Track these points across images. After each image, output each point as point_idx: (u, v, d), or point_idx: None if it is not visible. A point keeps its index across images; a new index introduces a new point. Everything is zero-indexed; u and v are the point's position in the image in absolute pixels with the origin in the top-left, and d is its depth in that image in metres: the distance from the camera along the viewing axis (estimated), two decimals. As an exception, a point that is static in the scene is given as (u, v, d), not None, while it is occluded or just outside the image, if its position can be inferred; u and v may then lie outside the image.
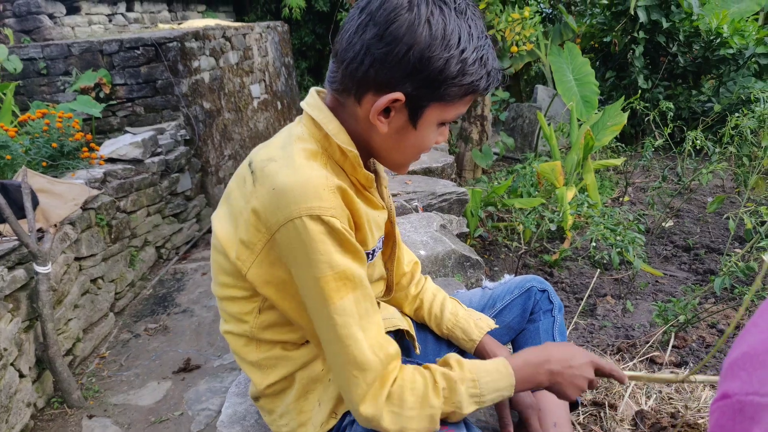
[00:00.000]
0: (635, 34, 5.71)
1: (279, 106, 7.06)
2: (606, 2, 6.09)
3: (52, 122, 3.55)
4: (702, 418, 1.51)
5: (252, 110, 6.15)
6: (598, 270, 3.16)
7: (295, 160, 0.87)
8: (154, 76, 4.52)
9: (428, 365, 0.95)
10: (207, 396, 2.68)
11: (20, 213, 2.58)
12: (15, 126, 3.74)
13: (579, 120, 4.22)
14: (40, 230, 2.71)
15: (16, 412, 2.34)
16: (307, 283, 0.88)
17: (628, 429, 1.49)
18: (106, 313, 3.28)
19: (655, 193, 3.93)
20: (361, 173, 0.95)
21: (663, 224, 3.73)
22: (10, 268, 2.49)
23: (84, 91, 4.37)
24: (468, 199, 3.13)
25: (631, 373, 1.15)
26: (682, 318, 2.33)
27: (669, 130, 4.12)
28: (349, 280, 0.88)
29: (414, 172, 3.45)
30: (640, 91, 5.40)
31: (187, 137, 4.67)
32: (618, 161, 3.90)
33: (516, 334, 1.34)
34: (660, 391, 1.68)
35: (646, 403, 1.61)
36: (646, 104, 4.40)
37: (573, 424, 1.46)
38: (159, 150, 4.19)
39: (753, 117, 3.80)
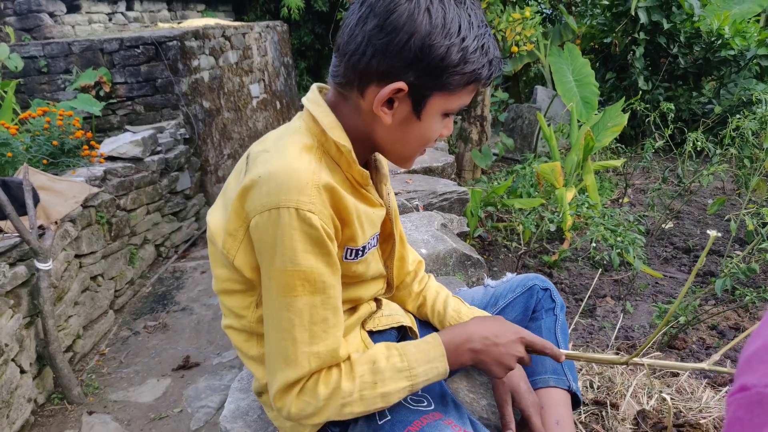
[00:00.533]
0: (636, 35, 5.70)
1: (278, 106, 7.06)
2: (606, 3, 6.08)
3: (53, 120, 3.56)
4: (704, 418, 1.52)
5: (251, 109, 6.15)
6: (600, 270, 3.17)
7: (287, 152, 0.87)
8: (154, 74, 4.52)
9: (352, 357, 0.94)
10: (206, 393, 2.68)
11: (21, 210, 2.59)
12: (16, 124, 3.74)
13: (579, 121, 4.22)
14: (41, 227, 2.71)
15: (17, 408, 2.34)
16: (267, 273, 0.87)
17: (630, 428, 1.49)
18: (105, 310, 3.28)
19: (655, 195, 3.94)
20: (355, 169, 0.94)
21: (663, 226, 3.73)
22: (12, 265, 2.49)
23: (84, 90, 4.37)
24: (468, 198, 3.13)
25: (570, 351, 1.13)
26: (682, 319, 2.33)
27: (669, 132, 4.12)
28: (309, 283, 0.86)
29: (415, 171, 3.45)
30: (640, 93, 5.39)
31: (187, 136, 4.67)
32: (618, 162, 3.89)
33: (518, 332, 1.34)
34: (661, 391, 1.68)
35: (647, 403, 1.61)
36: (647, 105, 4.40)
37: (575, 422, 1.46)
38: (159, 148, 4.20)
39: (754, 119, 3.81)
